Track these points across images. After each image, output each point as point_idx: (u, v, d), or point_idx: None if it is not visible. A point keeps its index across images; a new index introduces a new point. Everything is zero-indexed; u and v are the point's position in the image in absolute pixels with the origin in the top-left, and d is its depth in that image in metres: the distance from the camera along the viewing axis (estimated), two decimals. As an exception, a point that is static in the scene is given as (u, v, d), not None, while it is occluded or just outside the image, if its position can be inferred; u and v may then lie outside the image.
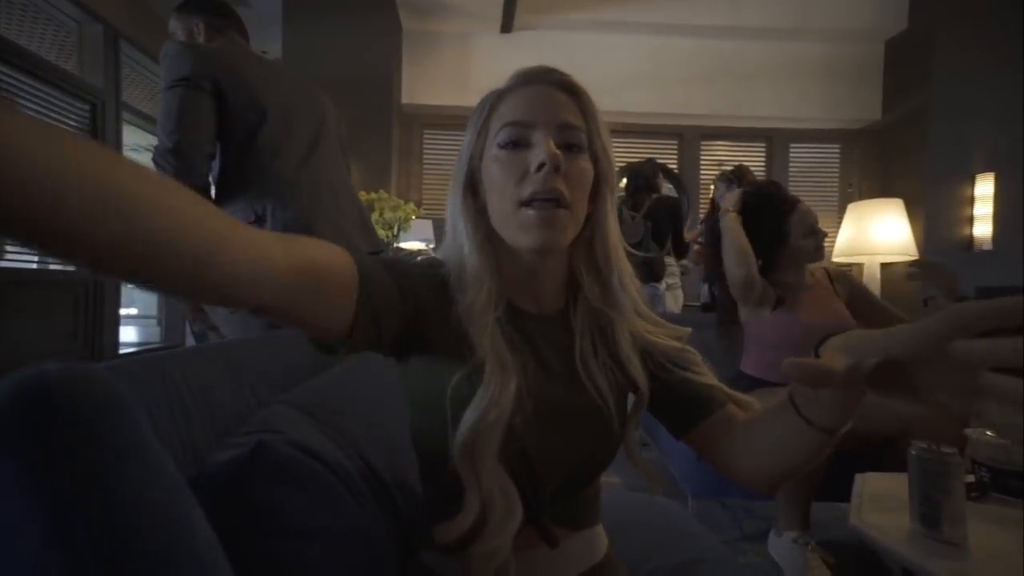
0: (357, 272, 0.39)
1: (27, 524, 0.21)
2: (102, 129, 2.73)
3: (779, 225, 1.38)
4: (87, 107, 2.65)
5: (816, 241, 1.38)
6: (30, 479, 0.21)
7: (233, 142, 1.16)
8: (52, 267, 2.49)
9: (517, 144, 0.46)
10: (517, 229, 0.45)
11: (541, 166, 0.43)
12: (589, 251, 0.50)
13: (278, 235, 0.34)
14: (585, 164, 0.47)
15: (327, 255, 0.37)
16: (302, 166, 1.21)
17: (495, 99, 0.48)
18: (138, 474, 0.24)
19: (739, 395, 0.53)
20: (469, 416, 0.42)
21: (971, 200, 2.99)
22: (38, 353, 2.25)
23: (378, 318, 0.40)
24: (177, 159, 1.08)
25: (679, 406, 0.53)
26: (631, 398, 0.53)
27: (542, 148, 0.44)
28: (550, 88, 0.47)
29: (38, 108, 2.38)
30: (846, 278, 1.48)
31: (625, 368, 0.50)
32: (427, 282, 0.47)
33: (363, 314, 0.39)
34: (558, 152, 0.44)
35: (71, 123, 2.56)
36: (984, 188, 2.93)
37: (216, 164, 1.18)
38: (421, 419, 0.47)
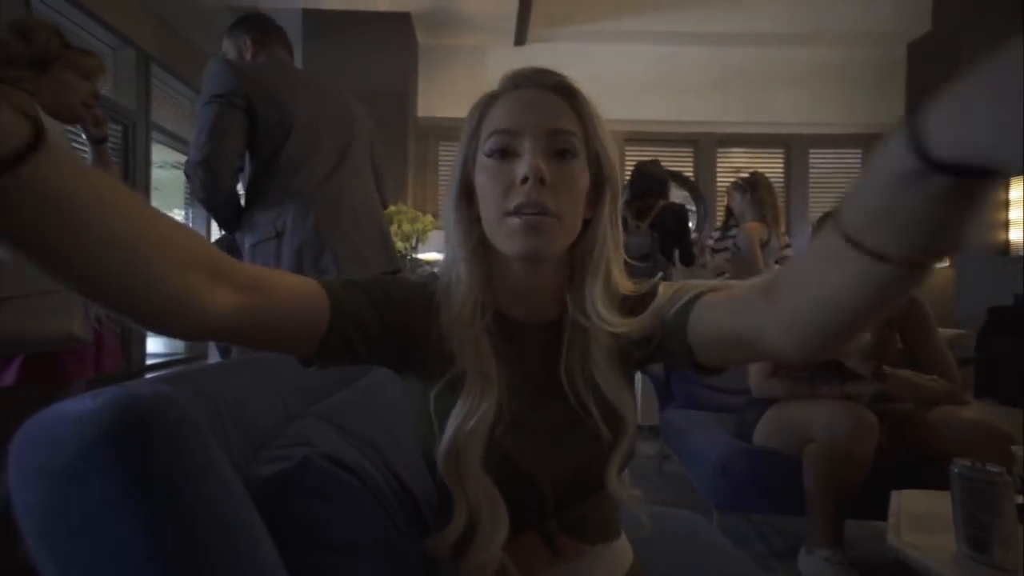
0: (328, 301, 0.41)
1: (128, 536, 0.23)
2: (132, 148, 2.85)
3: None
4: (119, 128, 2.77)
5: None
6: (131, 494, 0.23)
7: (260, 157, 1.20)
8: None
9: (504, 153, 0.44)
10: (504, 238, 0.44)
11: (525, 179, 0.42)
12: (582, 256, 0.48)
13: (236, 271, 0.35)
14: (577, 171, 0.45)
15: (285, 293, 0.38)
16: (324, 183, 1.24)
17: (486, 103, 0.47)
18: (215, 491, 0.26)
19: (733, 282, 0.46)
20: (450, 426, 0.43)
21: (1006, 204, 2.88)
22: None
23: (350, 339, 0.42)
24: (205, 172, 1.13)
25: (673, 342, 0.46)
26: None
27: (527, 160, 0.43)
28: (541, 91, 0.46)
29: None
30: (911, 304, 1.32)
31: (598, 383, 0.47)
32: (419, 299, 0.47)
33: (333, 337, 0.41)
34: (542, 166, 0.42)
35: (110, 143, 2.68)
36: (1018, 192, 2.83)
37: (246, 176, 1.23)
38: (417, 432, 0.48)
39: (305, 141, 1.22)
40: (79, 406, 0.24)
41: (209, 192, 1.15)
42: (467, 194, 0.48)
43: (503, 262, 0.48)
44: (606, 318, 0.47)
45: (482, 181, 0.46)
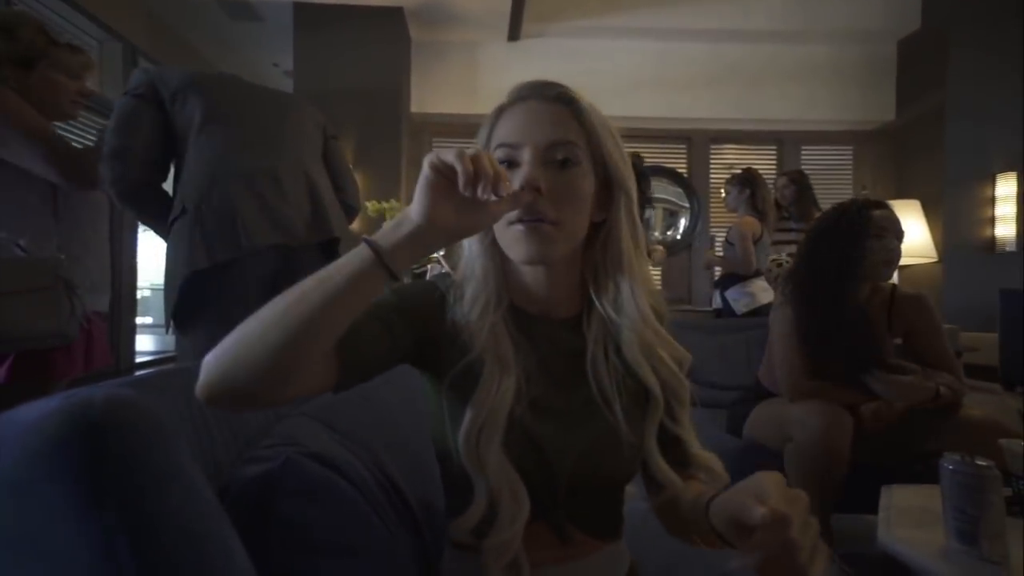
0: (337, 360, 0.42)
1: (77, 549, 0.22)
2: (120, 143, 2.80)
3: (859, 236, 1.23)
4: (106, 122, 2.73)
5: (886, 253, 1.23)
6: (79, 505, 0.22)
7: (181, 149, 1.21)
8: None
9: (509, 164, 0.47)
10: (509, 246, 0.48)
11: (521, 190, 0.45)
12: (602, 256, 0.51)
13: None
14: (578, 178, 0.47)
15: None
16: (238, 157, 1.21)
17: (496, 115, 0.51)
18: (179, 500, 0.25)
19: (705, 456, 0.54)
20: (470, 408, 0.44)
21: (992, 200, 2.92)
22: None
23: (364, 369, 0.44)
24: (113, 162, 1.12)
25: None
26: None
27: (523, 171, 0.45)
28: (543, 103, 0.48)
29: (60, 124, 2.43)
30: (917, 307, 1.29)
31: (636, 374, 0.50)
32: (432, 296, 0.50)
33: (346, 373, 0.42)
34: (536, 176, 0.45)
35: (91, 138, 2.62)
36: (1006, 188, 2.86)
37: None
38: (433, 427, 0.50)
39: (220, 128, 1.20)
40: (28, 412, 0.23)
41: (118, 183, 1.14)
42: None
43: (515, 264, 0.50)
44: (647, 316, 0.50)
45: None
